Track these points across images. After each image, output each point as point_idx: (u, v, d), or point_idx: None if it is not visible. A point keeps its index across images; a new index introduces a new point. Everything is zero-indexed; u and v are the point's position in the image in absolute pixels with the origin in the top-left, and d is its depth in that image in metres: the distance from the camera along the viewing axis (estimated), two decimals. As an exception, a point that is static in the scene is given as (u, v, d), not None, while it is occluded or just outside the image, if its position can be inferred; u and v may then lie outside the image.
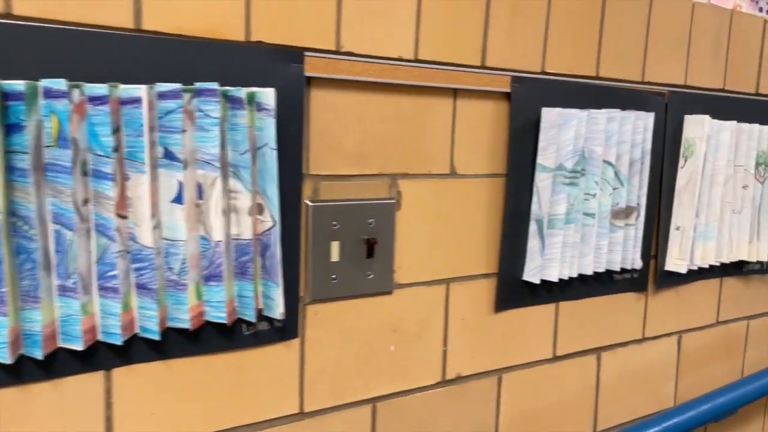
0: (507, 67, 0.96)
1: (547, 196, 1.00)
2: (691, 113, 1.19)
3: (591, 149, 1.05)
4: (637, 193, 1.12)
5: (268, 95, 0.73)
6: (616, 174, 1.09)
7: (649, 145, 1.12)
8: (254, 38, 0.75)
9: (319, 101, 0.81)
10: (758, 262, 1.36)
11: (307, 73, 0.78)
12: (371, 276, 0.88)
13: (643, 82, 1.13)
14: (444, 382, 0.98)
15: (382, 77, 0.84)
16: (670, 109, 1.17)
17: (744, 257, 1.32)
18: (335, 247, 0.85)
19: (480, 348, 1.01)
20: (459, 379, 0.99)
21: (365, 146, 0.86)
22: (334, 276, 0.85)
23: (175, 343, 0.75)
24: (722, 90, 1.26)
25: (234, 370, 0.79)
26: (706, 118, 1.17)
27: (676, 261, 1.22)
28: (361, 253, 0.87)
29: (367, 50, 0.83)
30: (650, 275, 1.21)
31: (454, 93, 0.92)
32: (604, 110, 1.04)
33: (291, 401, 0.84)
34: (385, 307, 0.91)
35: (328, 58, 0.80)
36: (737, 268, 1.36)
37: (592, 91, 1.06)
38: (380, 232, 0.88)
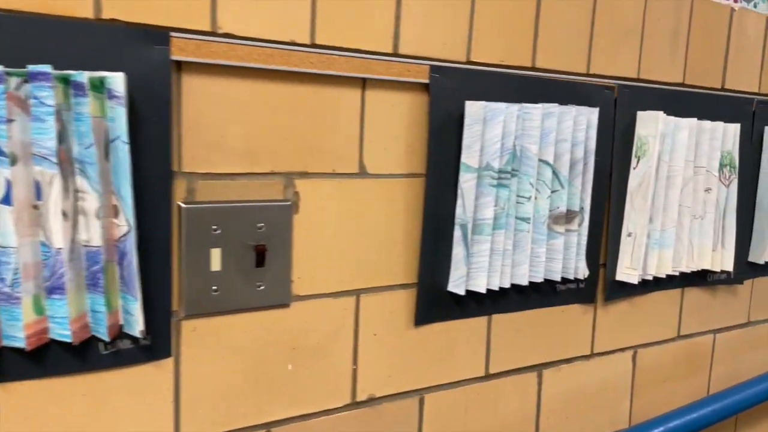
0: (425, 56, 0.86)
1: (471, 198, 0.90)
2: (644, 109, 1.09)
3: (525, 147, 0.95)
4: (580, 196, 1.02)
5: (117, 81, 0.63)
6: (555, 175, 0.99)
7: (593, 144, 1.02)
8: (106, 15, 0.65)
9: (193, 89, 0.72)
10: (723, 272, 1.26)
11: (175, 57, 0.69)
12: (262, 287, 0.79)
13: (588, 75, 1.03)
14: (354, 405, 0.88)
15: (271, 63, 0.75)
16: (620, 104, 1.07)
17: (707, 266, 1.21)
18: (216, 254, 0.75)
19: (398, 366, 0.91)
20: (372, 400, 0.90)
21: (254, 141, 0.76)
22: (215, 287, 0.76)
23: (13, 364, 0.65)
24: (682, 84, 1.16)
25: (91, 395, 0.70)
26: (660, 114, 1.07)
27: (626, 270, 1.12)
28: (249, 262, 0.77)
29: (252, 32, 0.74)
30: (599, 286, 1.11)
31: (363, 83, 0.83)
32: (539, 105, 0.94)
33: (164, 428, 0.75)
34: (282, 322, 0.81)
35: (201, 40, 0.70)
36: (701, 278, 1.26)
37: (526, 83, 0.96)
38: (273, 238, 0.79)
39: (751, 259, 1.34)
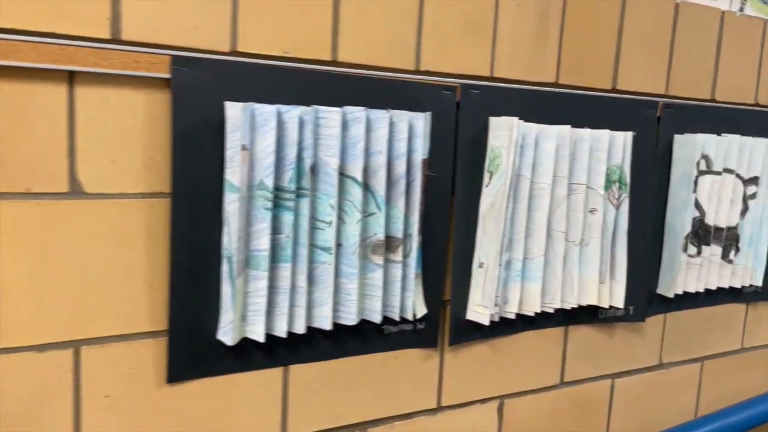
0: (164, 43, 0.68)
1: (236, 224, 0.71)
2: (501, 114, 0.90)
3: (322, 161, 0.76)
4: (404, 220, 0.83)
5: None
6: (370, 194, 0.80)
7: (419, 157, 0.83)
8: None
9: None
10: (612, 307, 1.06)
11: None
12: None
13: (418, 72, 0.84)
14: (77, 484, 0.70)
15: None
16: (465, 108, 0.88)
17: (593, 301, 1.01)
18: None
19: (146, 433, 0.73)
20: (105, 478, 0.71)
21: None
22: None
23: None
24: (555, 84, 0.96)
25: None
26: (514, 120, 0.87)
27: (477, 308, 0.92)
28: None
29: None
30: (447, 326, 0.92)
31: (70, 77, 0.64)
32: (336, 108, 0.75)
33: None
34: (-44, 384, 0.63)
35: None
36: (591, 315, 1.06)
37: (324, 81, 0.77)
38: (-68, 278, 0.60)
39: (659, 291, 1.13)
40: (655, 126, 1.06)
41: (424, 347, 0.91)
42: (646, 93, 1.05)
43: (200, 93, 0.70)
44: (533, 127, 0.91)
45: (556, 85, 0.95)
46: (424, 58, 0.83)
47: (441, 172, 0.87)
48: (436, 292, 0.89)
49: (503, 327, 0.97)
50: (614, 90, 1.01)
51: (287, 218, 0.75)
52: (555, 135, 0.92)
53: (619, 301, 1.03)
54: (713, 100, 1.13)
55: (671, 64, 1.06)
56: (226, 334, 0.74)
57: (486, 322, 0.91)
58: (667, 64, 1.06)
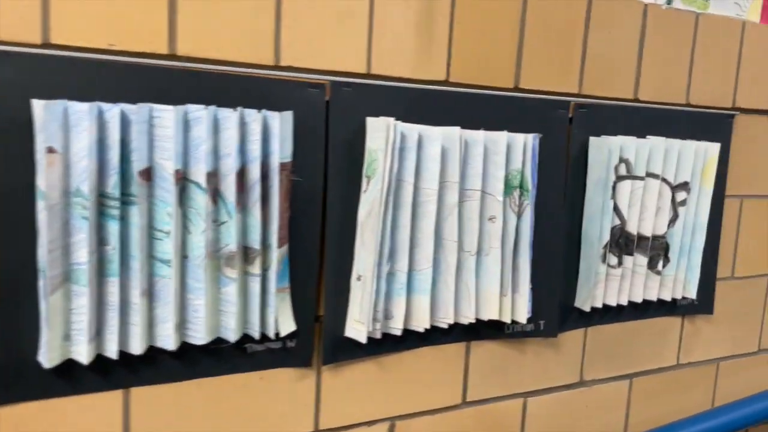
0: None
1: (46, 235, 0.65)
2: (381, 114, 0.83)
3: (159, 164, 0.70)
4: (263, 229, 0.76)
5: None
6: (221, 201, 0.73)
7: (276, 159, 0.76)
8: None
9: None
10: (514, 322, 0.98)
11: None
12: None
13: (278, 68, 0.77)
14: None
15: None
16: (337, 107, 0.81)
17: (494, 315, 0.94)
18: None
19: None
20: None
21: None
22: None
23: None
24: (445, 83, 0.88)
25: None
26: (390, 121, 0.80)
27: (355, 324, 0.85)
28: None
29: None
30: (317, 344, 0.85)
31: None
32: (171, 107, 0.68)
33: None
34: None
35: None
36: (497, 330, 0.99)
37: (160, 77, 0.70)
38: None
39: (577, 304, 1.06)
40: (567, 128, 0.98)
41: (296, 366, 0.84)
42: (556, 92, 0.97)
43: (7, 90, 0.63)
44: (415, 128, 0.83)
45: (446, 83, 0.88)
46: (285, 52, 0.76)
47: (312, 177, 0.80)
48: (309, 308, 0.82)
49: (392, 343, 0.90)
50: (517, 89, 0.94)
51: (113, 228, 0.68)
52: (440, 137, 0.85)
53: (522, 316, 0.96)
54: (636, 100, 1.06)
55: (585, 62, 0.99)
56: (44, 356, 0.67)
57: (363, 339, 0.84)
58: (579, 61, 0.98)
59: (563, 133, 0.98)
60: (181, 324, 0.74)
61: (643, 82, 1.05)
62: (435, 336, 0.93)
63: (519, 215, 0.94)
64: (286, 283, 0.80)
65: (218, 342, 0.77)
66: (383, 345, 0.89)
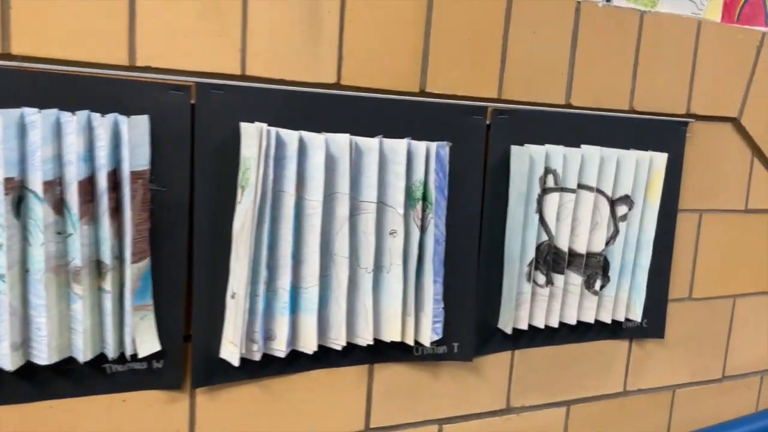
0: None
1: None
2: (257, 120, 0.76)
3: (-12, 171, 0.65)
4: (116, 243, 0.71)
5: None
6: (67, 212, 0.68)
7: (127, 167, 0.70)
8: None
9: None
10: (418, 344, 0.91)
11: None
12: None
13: (134, 68, 0.71)
14: None
15: None
16: (205, 111, 0.75)
17: (396, 337, 0.87)
18: None
19: None
20: None
21: None
22: None
23: None
24: (336, 86, 0.82)
25: None
26: (263, 127, 0.74)
27: (229, 346, 0.79)
28: None
29: None
30: (193, 366, 0.79)
31: None
32: (-2, 109, 0.63)
33: None
34: None
35: None
36: (404, 352, 0.92)
37: (-9, 77, 0.65)
38: None
39: (500, 325, 0.98)
40: (484, 135, 0.91)
41: (165, 389, 0.78)
42: (472, 97, 0.90)
43: None
44: (295, 135, 0.77)
45: (337, 86, 0.81)
46: (142, 51, 0.71)
47: (178, 187, 0.74)
48: (177, 327, 0.77)
49: (280, 366, 0.83)
50: (423, 93, 0.87)
51: (-65, 240, 0.63)
52: (324, 144, 0.78)
53: (426, 338, 0.89)
54: (569, 105, 0.97)
55: (505, 63, 0.91)
56: None
57: (235, 362, 0.78)
58: (499, 62, 0.91)
59: (480, 141, 0.90)
60: (25, 342, 0.69)
61: (577, 86, 0.97)
62: (331, 358, 0.87)
63: (423, 229, 0.87)
64: (148, 300, 0.74)
65: (71, 362, 0.72)
66: (269, 367, 0.83)
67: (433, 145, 0.85)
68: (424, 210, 0.86)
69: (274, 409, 0.85)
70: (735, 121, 1.13)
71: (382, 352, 0.90)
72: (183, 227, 0.75)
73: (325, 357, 0.86)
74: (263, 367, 0.82)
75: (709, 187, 1.13)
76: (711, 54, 1.07)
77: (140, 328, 0.74)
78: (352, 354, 0.88)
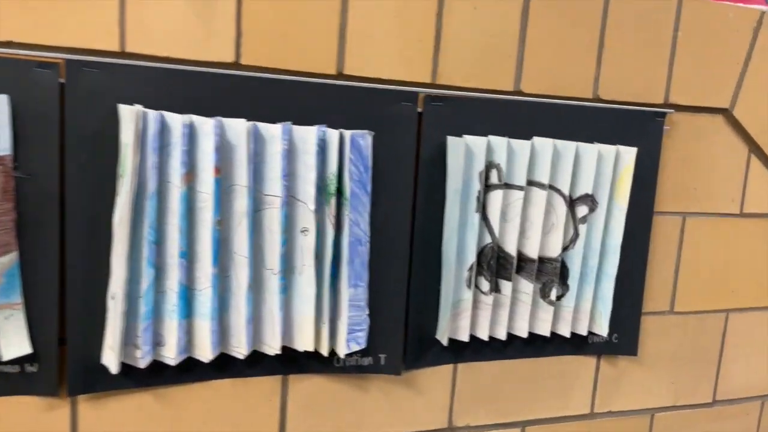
0: None
1: None
2: (142, 102, 0.69)
3: None
4: (-34, 235, 0.64)
5: None
6: None
7: (-22, 153, 0.64)
8: None
9: None
10: (334, 355, 0.82)
11: None
12: None
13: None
14: None
15: None
16: (77, 91, 0.68)
17: (308, 346, 0.79)
18: None
19: None
20: None
21: None
22: None
23: None
24: (235, 66, 0.74)
25: None
26: (137, 109, 0.67)
27: (107, 350, 0.72)
28: None
29: None
30: (70, 371, 0.72)
31: None
32: None
33: None
34: None
35: None
36: (323, 363, 0.83)
37: None
38: None
39: (437, 336, 0.88)
40: (416, 124, 0.81)
41: (39, 394, 0.72)
42: (400, 81, 0.80)
43: None
44: (178, 119, 0.69)
45: (236, 66, 0.73)
46: (4, 24, 0.64)
47: (47, 175, 0.68)
48: (51, 329, 0.70)
49: (174, 374, 0.76)
50: (341, 76, 0.78)
51: None
52: (213, 130, 0.70)
53: (342, 347, 0.80)
54: (519, 92, 0.87)
55: (439, 43, 0.81)
56: None
57: (113, 368, 0.71)
58: (432, 42, 0.81)
59: (411, 131, 0.81)
60: None
61: (529, 70, 0.86)
62: (236, 367, 0.79)
63: (338, 227, 0.78)
64: (16, 298, 0.68)
65: (-71, 363, 0.66)
66: (161, 375, 0.76)
67: (348, 133, 0.76)
68: (339, 206, 0.77)
69: (169, 420, 0.77)
70: (727, 113, 1.00)
71: (298, 362, 0.81)
72: (54, 220, 0.68)
73: (228, 366, 0.78)
74: (155, 375, 0.75)
75: (695, 188, 1.00)
76: (695, 34, 0.94)
77: (5, 329, 0.68)
78: (260, 363, 0.80)
